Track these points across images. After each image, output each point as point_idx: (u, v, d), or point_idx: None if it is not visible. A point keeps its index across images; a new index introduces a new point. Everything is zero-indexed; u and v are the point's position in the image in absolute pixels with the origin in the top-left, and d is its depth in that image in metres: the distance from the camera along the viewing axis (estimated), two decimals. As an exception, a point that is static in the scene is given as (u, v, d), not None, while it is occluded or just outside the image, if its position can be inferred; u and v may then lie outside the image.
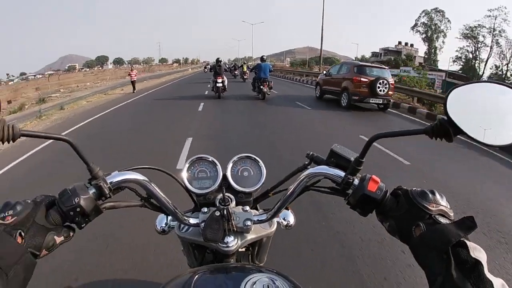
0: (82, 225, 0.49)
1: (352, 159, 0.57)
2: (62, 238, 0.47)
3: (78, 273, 1.87)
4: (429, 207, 0.45)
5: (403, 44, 49.50)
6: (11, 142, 0.44)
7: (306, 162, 0.66)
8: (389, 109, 8.62)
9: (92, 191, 0.50)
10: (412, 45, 48.74)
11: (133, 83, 14.17)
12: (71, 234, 0.49)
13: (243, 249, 0.73)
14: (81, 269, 1.91)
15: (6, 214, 0.42)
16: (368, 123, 7.07)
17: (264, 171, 0.72)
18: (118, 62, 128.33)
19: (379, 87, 8.03)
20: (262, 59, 11.10)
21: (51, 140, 0.48)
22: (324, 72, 11.46)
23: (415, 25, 42.78)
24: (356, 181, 0.54)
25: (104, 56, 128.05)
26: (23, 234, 0.41)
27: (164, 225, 0.73)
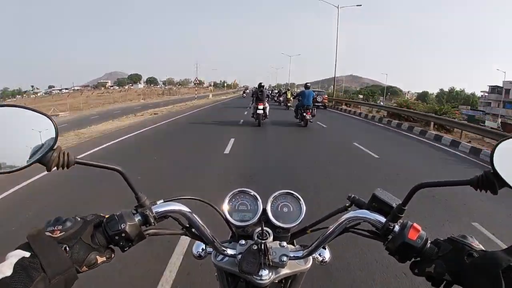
0: (125, 249, 0.59)
1: (394, 205, 0.63)
2: (104, 258, 0.55)
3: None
4: (473, 245, 0.53)
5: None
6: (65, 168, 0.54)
7: (347, 204, 0.75)
8: None
9: (137, 218, 0.61)
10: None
11: None
12: (113, 256, 0.57)
13: (276, 281, 0.81)
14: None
15: (55, 228, 0.51)
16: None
17: (304, 208, 0.80)
18: (152, 81, 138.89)
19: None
20: (306, 86, 12.47)
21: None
22: None
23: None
24: (397, 228, 0.60)
25: (137, 74, 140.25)
26: (67, 249, 0.49)
27: (201, 251, 0.86)
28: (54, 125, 0.54)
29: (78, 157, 0.55)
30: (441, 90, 60.20)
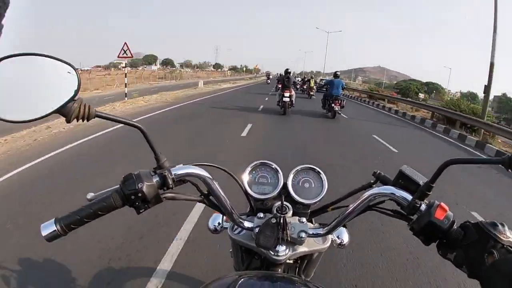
0: (141, 211, 0.64)
1: (421, 183, 0.66)
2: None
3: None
4: (501, 237, 0.55)
5: None
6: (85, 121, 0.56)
7: (372, 181, 0.78)
8: None
9: (156, 179, 0.65)
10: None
11: None
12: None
13: (291, 261, 0.86)
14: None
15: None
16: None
17: (326, 185, 0.85)
18: (168, 63, 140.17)
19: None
20: (335, 75, 12.62)
21: None
22: None
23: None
24: (423, 207, 0.63)
25: (152, 55, 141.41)
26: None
27: (217, 225, 0.93)
28: (76, 75, 0.56)
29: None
30: (504, 95, 55.55)
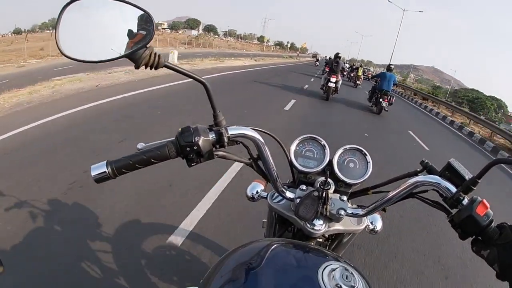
0: (192, 164, 0.69)
1: (467, 177, 0.70)
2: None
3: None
4: None
5: None
6: (153, 70, 0.60)
7: (418, 169, 0.81)
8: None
9: (212, 135, 0.69)
10: None
11: None
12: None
13: (321, 239, 0.92)
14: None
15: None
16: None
17: (371, 167, 0.89)
18: (210, 29, 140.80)
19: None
20: (388, 68, 12.11)
21: None
22: None
23: None
24: (466, 201, 0.68)
25: (195, 19, 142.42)
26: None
27: (255, 193, 0.98)
28: (153, 23, 0.59)
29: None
30: None
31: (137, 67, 0.59)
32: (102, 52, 0.58)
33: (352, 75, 23.80)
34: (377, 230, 0.96)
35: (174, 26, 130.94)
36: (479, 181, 0.68)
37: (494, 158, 0.65)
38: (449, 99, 30.37)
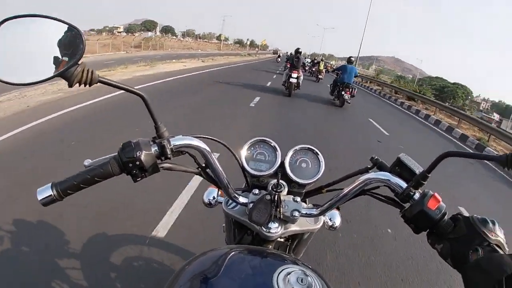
0: (138, 179, 0.68)
1: (418, 172, 0.71)
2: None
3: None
4: (489, 235, 0.58)
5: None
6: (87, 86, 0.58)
7: (369, 166, 0.83)
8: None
9: (154, 148, 0.68)
10: None
11: None
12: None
13: (282, 240, 0.93)
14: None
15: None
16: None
17: (323, 166, 0.90)
18: (168, 30, 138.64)
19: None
20: (349, 60, 12.41)
21: None
22: None
23: None
24: (417, 196, 0.68)
25: (151, 21, 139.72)
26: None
27: (211, 198, 0.99)
28: (82, 38, 0.57)
29: None
30: None
31: (70, 85, 0.57)
32: (33, 73, 0.56)
33: (313, 69, 24.17)
34: (336, 226, 0.97)
35: (130, 29, 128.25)
36: (429, 175, 0.68)
37: (444, 152, 0.64)
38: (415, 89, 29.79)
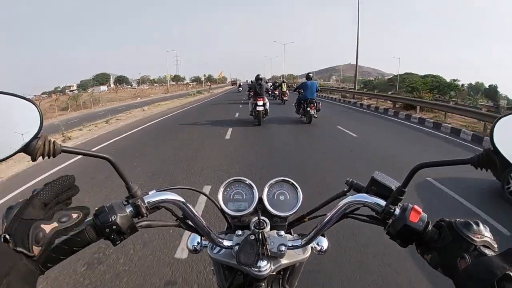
0: (117, 242, 0.67)
1: (394, 187, 0.73)
2: (55, 224, 0.57)
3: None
4: (474, 238, 0.58)
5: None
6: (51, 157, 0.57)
7: (345, 189, 0.86)
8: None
9: (129, 209, 0.68)
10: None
11: None
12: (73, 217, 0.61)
13: (274, 273, 0.90)
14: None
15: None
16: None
17: (301, 196, 0.92)
18: (122, 80, 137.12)
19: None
20: (308, 76, 12.73)
21: None
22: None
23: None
24: (397, 211, 0.69)
25: (104, 74, 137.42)
26: (8, 237, 0.50)
27: (196, 244, 0.98)
28: (39, 111, 0.57)
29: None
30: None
31: (33, 159, 0.57)
32: None
33: (276, 92, 24.49)
34: (325, 250, 0.98)
35: (82, 86, 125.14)
36: (405, 190, 0.70)
37: (416, 165, 0.67)
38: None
